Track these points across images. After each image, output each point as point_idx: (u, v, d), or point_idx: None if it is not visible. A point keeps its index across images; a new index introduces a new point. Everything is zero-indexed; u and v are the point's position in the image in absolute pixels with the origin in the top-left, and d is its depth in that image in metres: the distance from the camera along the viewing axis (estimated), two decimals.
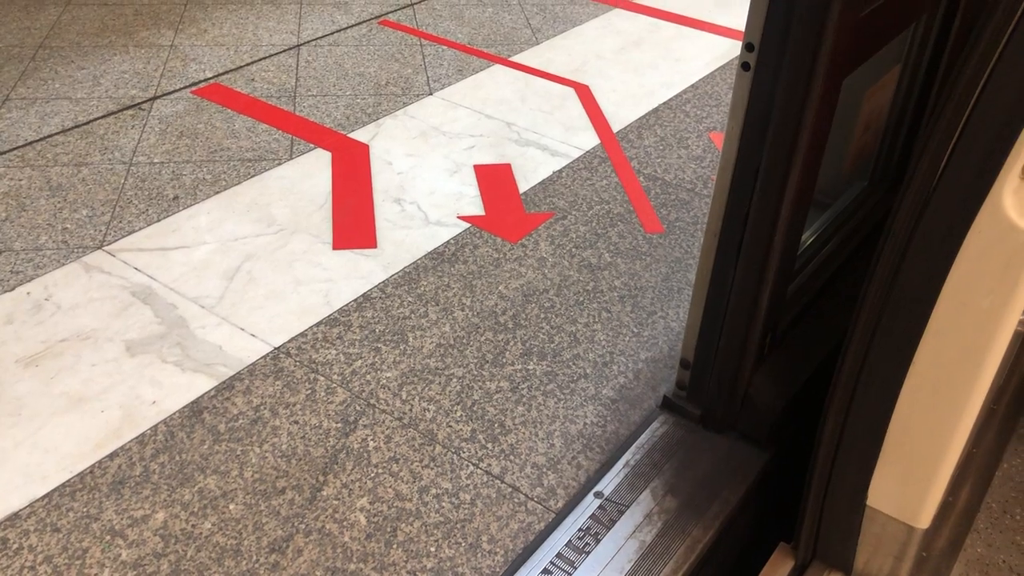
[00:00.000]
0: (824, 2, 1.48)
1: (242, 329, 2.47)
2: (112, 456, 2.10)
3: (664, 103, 3.76)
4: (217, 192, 3.05)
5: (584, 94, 3.79)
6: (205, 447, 2.13)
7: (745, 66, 1.61)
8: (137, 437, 2.15)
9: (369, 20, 4.41)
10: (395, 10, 4.54)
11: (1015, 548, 1.80)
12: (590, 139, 3.46)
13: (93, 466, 2.08)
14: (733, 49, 4.24)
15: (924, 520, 1.54)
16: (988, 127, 1.16)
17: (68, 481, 2.04)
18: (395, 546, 1.92)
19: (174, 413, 2.21)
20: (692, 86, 3.91)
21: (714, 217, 1.82)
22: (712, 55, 4.20)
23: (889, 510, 1.56)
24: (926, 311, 1.32)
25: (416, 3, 4.64)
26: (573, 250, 2.84)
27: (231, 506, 1.99)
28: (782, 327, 2.05)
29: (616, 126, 3.56)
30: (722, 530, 1.90)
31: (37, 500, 1.99)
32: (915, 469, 1.48)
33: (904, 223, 1.30)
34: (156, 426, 2.18)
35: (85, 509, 1.98)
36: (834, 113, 1.70)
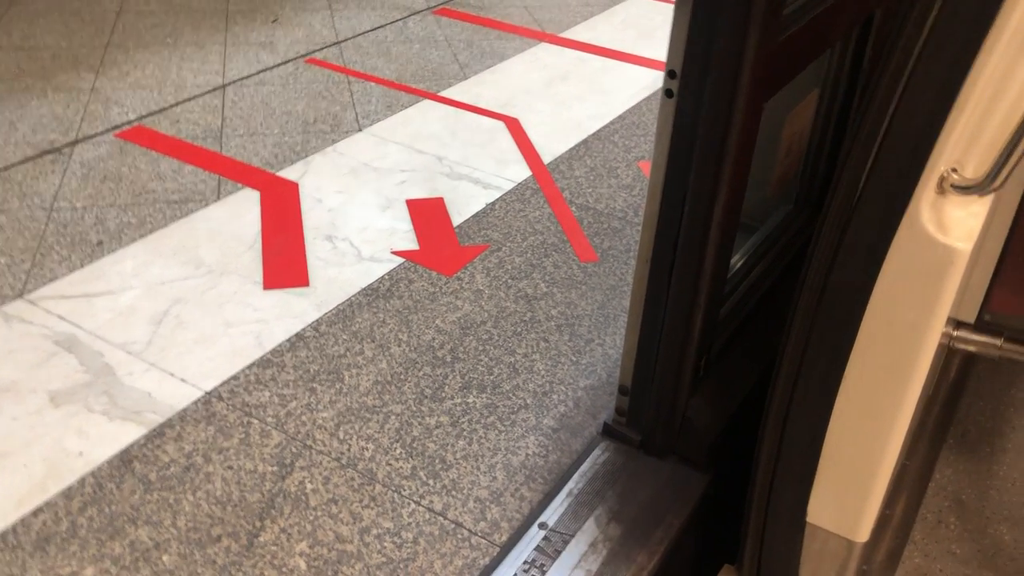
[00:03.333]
0: (743, 28, 1.52)
1: (172, 374, 2.40)
2: (36, 512, 2.01)
3: (593, 134, 3.81)
4: (143, 236, 2.98)
5: (514, 127, 3.82)
6: (136, 497, 2.05)
7: (668, 93, 1.64)
8: (63, 491, 2.07)
9: (295, 58, 4.39)
10: (321, 48, 4.53)
11: (951, 557, 1.83)
12: (521, 171, 3.48)
13: (15, 524, 1.98)
14: (657, 80, 4.33)
15: (863, 534, 1.56)
16: (902, 145, 1.20)
17: None
18: None
19: (102, 464, 2.14)
20: (619, 117, 3.97)
21: (645, 243, 1.84)
22: (637, 86, 4.27)
23: (829, 526, 1.58)
24: (853, 327, 1.35)
25: (342, 41, 4.64)
26: (509, 281, 2.84)
27: (164, 557, 1.92)
28: (716, 349, 2.08)
29: (547, 158, 3.59)
30: (667, 555, 1.90)
31: None
32: (852, 484, 1.50)
33: (827, 242, 1.33)
34: (83, 478, 2.10)
35: (8, 570, 1.89)
36: (756, 136, 1.74)
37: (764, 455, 1.59)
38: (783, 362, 1.48)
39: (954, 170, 1.19)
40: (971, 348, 1.70)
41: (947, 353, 1.98)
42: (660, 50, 4.67)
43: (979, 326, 1.75)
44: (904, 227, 1.23)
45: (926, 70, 1.16)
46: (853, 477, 1.49)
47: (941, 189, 1.20)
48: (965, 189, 1.18)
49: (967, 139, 1.18)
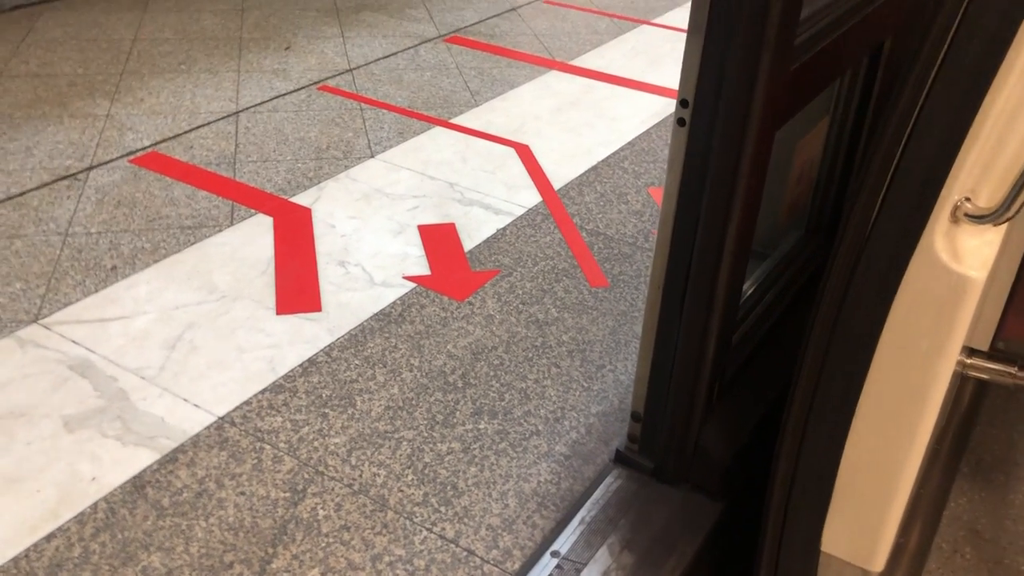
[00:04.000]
0: (755, 58, 1.53)
1: (185, 399, 2.41)
2: (49, 538, 2.02)
3: (602, 160, 3.83)
4: (157, 261, 3.00)
5: (524, 153, 3.84)
6: (148, 523, 2.06)
7: (680, 122, 1.65)
8: (76, 516, 2.07)
9: (308, 86, 4.43)
10: (334, 76, 4.57)
11: None
12: (532, 197, 3.50)
13: (28, 550, 1.99)
14: (666, 107, 4.35)
15: (878, 563, 1.55)
16: (916, 173, 1.20)
17: (0, 567, 1.95)
18: None
19: (115, 489, 2.14)
20: (629, 143, 3.99)
21: (657, 269, 1.84)
22: (647, 113, 4.29)
23: (843, 555, 1.57)
24: (868, 355, 1.35)
25: (355, 68, 4.68)
26: (520, 306, 2.85)
27: None
28: (729, 376, 2.07)
29: (557, 184, 3.61)
30: None
31: None
32: (867, 512, 1.49)
33: (841, 271, 1.33)
34: (96, 504, 2.10)
35: None
36: (768, 164, 1.75)
37: (778, 483, 1.58)
38: (797, 390, 1.47)
39: (967, 199, 1.19)
40: (985, 376, 1.70)
41: (961, 381, 1.97)
42: (669, 77, 4.70)
43: (993, 354, 1.74)
44: (918, 255, 1.23)
45: (940, 98, 1.16)
46: (868, 505, 1.49)
47: (955, 218, 1.20)
48: (979, 218, 1.19)
49: (981, 168, 1.18)
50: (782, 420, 1.54)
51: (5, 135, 3.79)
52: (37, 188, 3.41)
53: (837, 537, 1.56)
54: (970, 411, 2.26)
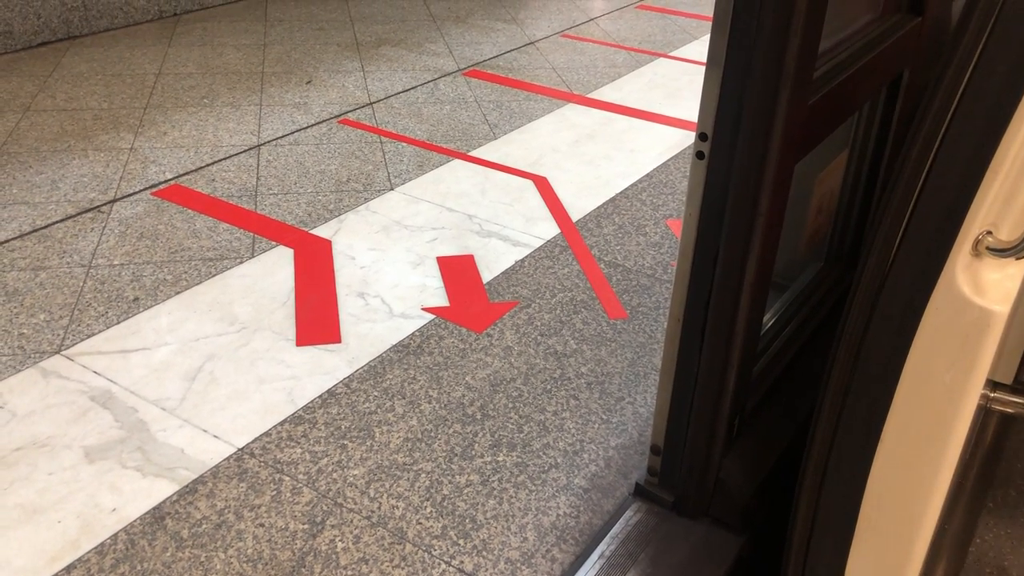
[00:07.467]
0: (774, 91, 1.54)
1: (204, 431, 2.42)
2: (69, 569, 2.02)
3: (621, 192, 3.84)
4: (178, 292, 3.03)
5: (543, 186, 3.86)
6: (168, 554, 2.06)
7: (699, 155, 1.66)
8: (96, 547, 2.07)
9: (329, 119, 4.49)
10: (354, 109, 4.62)
11: None
12: (550, 229, 3.51)
13: None
14: (684, 139, 4.37)
15: None
16: (937, 207, 1.20)
17: None
18: None
19: (135, 520, 2.15)
20: (647, 176, 4.00)
21: (676, 302, 1.84)
22: (664, 145, 4.31)
23: None
24: (890, 389, 1.34)
25: (375, 102, 4.73)
26: (539, 338, 2.85)
27: None
28: (749, 408, 2.06)
29: (575, 216, 3.62)
30: None
31: None
32: (890, 548, 1.47)
33: (862, 303, 1.33)
34: (116, 534, 2.11)
35: None
36: (787, 197, 1.75)
37: (800, 518, 1.56)
38: (819, 423, 1.46)
39: (989, 232, 1.19)
40: (1009, 410, 1.68)
41: (985, 415, 1.95)
42: (686, 110, 4.72)
43: (1017, 387, 1.72)
44: (940, 289, 1.22)
45: (960, 130, 1.16)
46: (892, 540, 1.47)
47: (976, 251, 1.20)
48: (1001, 251, 1.18)
49: (1002, 201, 1.18)
50: (804, 454, 1.53)
51: (32, 168, 3.85)
52: (62, 220, 3.46)
53: (860, 573, 1.54)
54: (995, 446, 2.23)
